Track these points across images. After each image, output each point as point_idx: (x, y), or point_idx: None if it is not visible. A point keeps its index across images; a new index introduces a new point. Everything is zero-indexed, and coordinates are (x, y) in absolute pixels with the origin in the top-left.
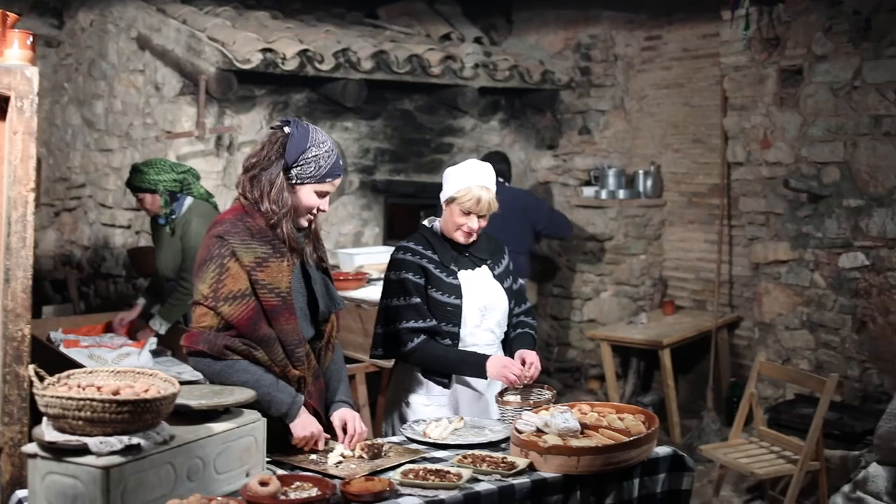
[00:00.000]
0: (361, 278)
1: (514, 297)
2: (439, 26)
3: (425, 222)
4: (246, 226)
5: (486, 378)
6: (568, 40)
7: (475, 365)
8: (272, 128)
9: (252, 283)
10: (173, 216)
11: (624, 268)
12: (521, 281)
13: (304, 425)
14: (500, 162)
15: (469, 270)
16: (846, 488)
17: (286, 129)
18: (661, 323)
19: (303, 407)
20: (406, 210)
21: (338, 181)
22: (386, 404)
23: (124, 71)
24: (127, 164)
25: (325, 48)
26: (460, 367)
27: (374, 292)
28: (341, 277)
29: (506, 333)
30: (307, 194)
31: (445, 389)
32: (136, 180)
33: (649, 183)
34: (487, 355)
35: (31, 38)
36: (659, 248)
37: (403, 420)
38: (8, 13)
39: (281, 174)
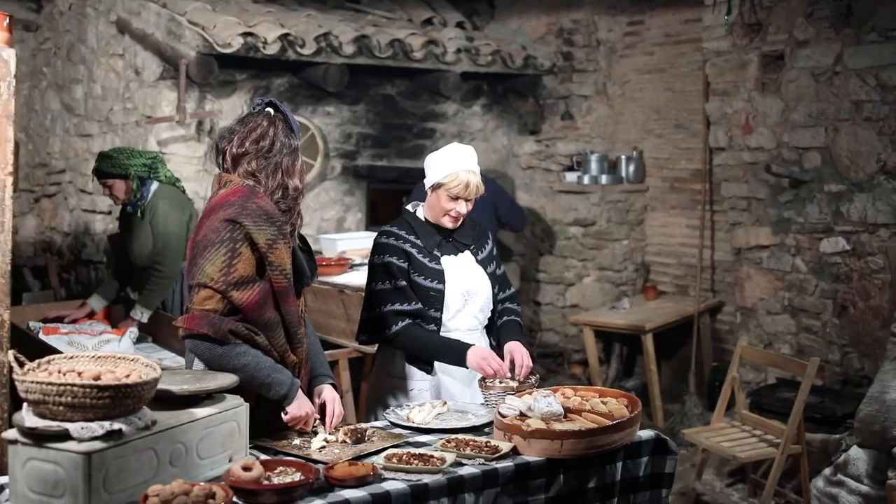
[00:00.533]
0: (344, 264)
1: (498, 281)
2: (421, 11)
3: (408, 207)
4: (255, 207)
5: (465, 367)
6: (550, 25)
7: (457, 352)
8: (258, 109)
9: (265, 266)
10: (141, 202)
11: (606, 253)
12: (502, 267)
13: (300, 405)
14: None
15: (452, 256)
16: (827, 471)
17: (282, 109)
18: (644, 308)
19: (300, 389)
20: (388, 195)
21: None
22: (369, 389)
23: (104, 55)
24: (107, 148)
25: (306, 32)
26: (442, 353)
27: (356, 277)
28: (324, 263)
29: (490, 319)
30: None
31: (428, 376)
32: (106, 166)
33: (632, 168)
34: (470, 344)
35: (7, 20)
36: (641, 233)
37: (386, 406)
38: None
39: (298, 154)
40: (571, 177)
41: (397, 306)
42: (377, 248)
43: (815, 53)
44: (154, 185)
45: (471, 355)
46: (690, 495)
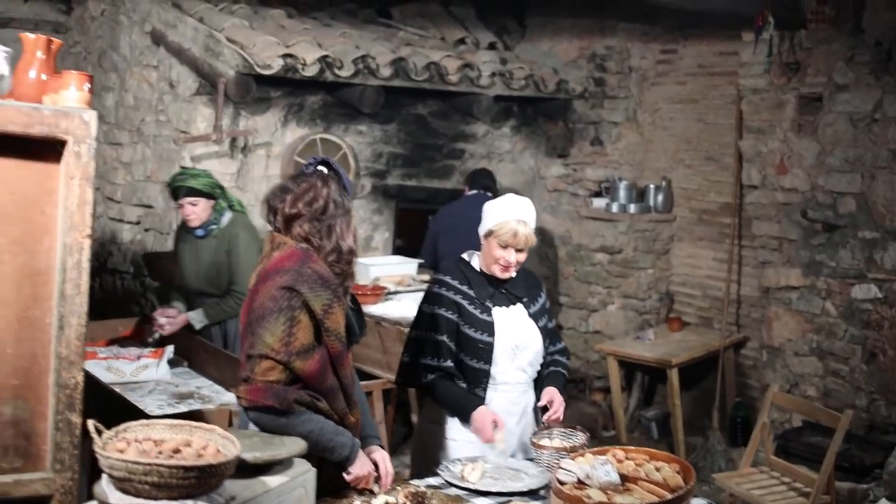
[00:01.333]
0: (380, 293)
1: (549, 335)
2: (454, 30)
3: (464, 256)
4: (310, 272)
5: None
6: (582, 49)
7: (464, 412)
8: (308, 166)
9: (323, 331)
10: (213, 226)
11: (632, 281)
12: (553, 320)
13: (361, 465)
14: (486, 178)
15: (504, 307)
16: None
17: (334, 167)
18: (669, 340)
19: (360, 448)
20: (414, 215)
21: None
22: (416, 434)
23: (137, 65)
24: (138, 159)
25: (344, 54)
26: (456, 410)
27: (392, 308)
28: (359, 291)
29: (539, 372)
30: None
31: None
32: (199, 184)
33: (660, 197)
34: (480, 403)
35: (88, 83)
36: (667, 262)
37: (431, 453)
38: (52, 39)
39: (350, 213)
40: (599, 203)
41: (429, 360)
42: (429, 297)
43: (855, 98)
44: (229, 213)
45: (474, 415)
46: None
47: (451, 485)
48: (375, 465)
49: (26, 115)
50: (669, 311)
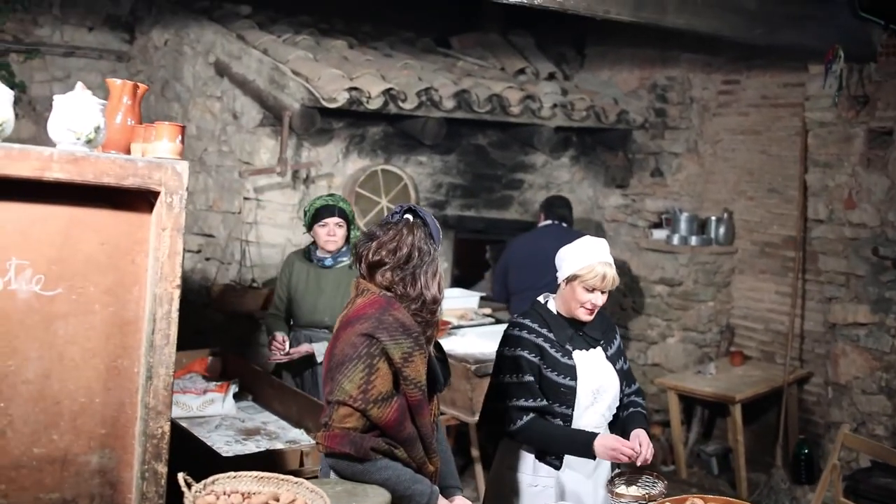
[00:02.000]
0: (444, 327)
1: (625, 377)
2: (514, 60)
3: (540, 299)
4: (391, 320)
5: (594, 458)
6: (643, 80)
7: (583, 444)
8: (396, 215)
9: (401, 380)
10: (342, 258)
11: (692, 314)
12: (627, 361)
13: None
14: (562, 207)
15: (584, 351)
16: None
17: (421, 214)
18: (730, 374)
19: (440, 496)
20: (471, 245)
21: None
22: (490, 481)
23: (200, 96)
24: (199, 188)
25: (408, 86)
26: (568, 445)
27: (456, 344)
28: None
29: (616, 415)
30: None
31: (553, 471)
32: (347, 207)
33: (721, 230)
34: (595, 433)
35: (180, 136)
36: (727, 295)
37: (506, 497)
38: (139, 84)
39: (436, 261)
40: (660, 234)
41: (522, 402)
42: (508, 340)
43: None
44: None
45: (598, 445)
46: None
47: None
48: None
49: (120, 166)
50: (730, 345)
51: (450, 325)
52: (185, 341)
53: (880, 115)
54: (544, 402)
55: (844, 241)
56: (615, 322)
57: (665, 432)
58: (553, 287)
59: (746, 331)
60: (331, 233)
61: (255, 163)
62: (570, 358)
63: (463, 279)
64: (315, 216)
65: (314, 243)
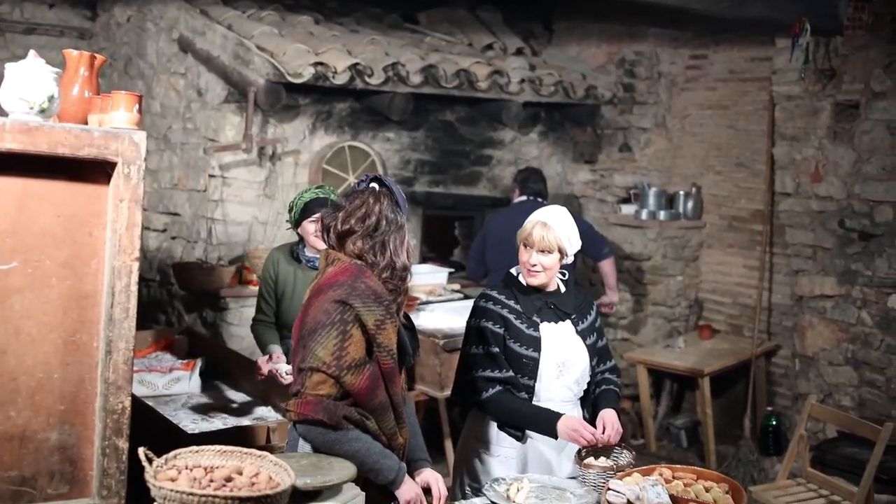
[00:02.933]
0: (413, 302)
1: (598, 354)
2: (482, 35)
3: (512, 271)
4: (363, 287)
5: (556, 438)
6: (611, 55)
7: (547, 422)
8: (362, 184)
9: (374, 347)
10: None
11: (660, 288)
12: (605, 339)
13: (409, 490)
14: (537, 182)
15: (552, 323)
16: None
17: (376, 186)
18: (699, 348)
19: (406, 474)
20: (440, 222)
21: None
22: (458, 450)
23: (164, 72)
24: (164, 167)
25: (374, 61)
26: (532, 422)
27: (425, 320)
28: None
29: (587, 391)
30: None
31: (517, 442)
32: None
33: (690, 204)
34: (561, 414)
35: (137, 105)
36: (696, 269)
37: (472, 470)
38: (96, 55)
39: (404, 229)
40: (628, 210)
41: (488, 372)
42: (475, 312)
43: (892, 106)
44: None
45: (561, 426)
46: None
47: None
48: (428, 486)
49: (76, 136)
50: (699, 319)
51: (419, 301)
52: (151, 321)
53: (846, 89)
54: (510, 373)
55: (811, 214)
56: (591, 298)
57: (634, 406)
58: None
59: (715, 304)
60: (317, 231)
61: (221, 140)
62: (536, 330)
63: (432, 256)
64: (304, 211)
65: (301, 241)
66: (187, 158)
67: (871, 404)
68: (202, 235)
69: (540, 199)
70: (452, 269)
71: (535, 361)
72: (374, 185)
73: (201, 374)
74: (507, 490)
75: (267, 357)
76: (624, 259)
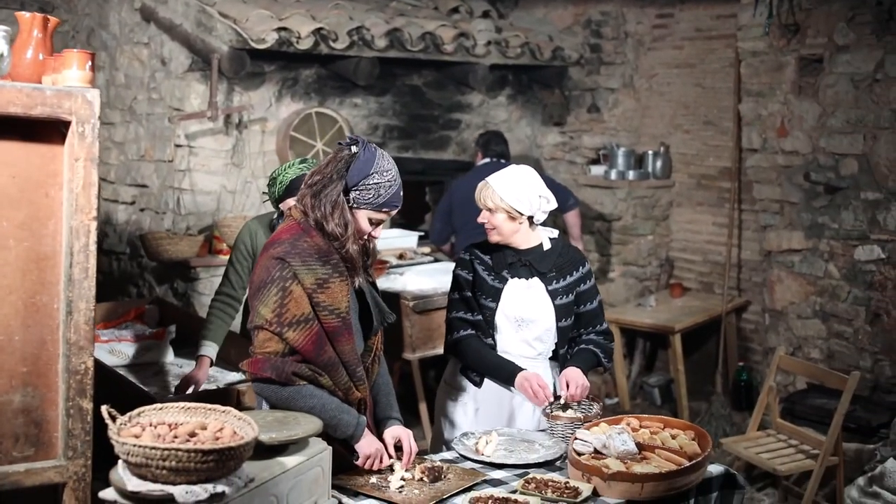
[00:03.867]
0: (382, 267)
1: (583, 318)
2: None
3: None
4: (304, 246)
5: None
6: (578, 16)
7: (507, 373)
8: (339, 144)
9: (313, 306)
10: None
11: (631, 248)
12: (595, 303)
13: (369, 445)
14: (499, 143)
15: (522, 279)
16: (861, 481)
17: (353, 149)
18: (670, 306)
19: (366, 427)
20: (410, 187)
21: (394, 212)
22: (438, 395)
23: (127, 43)
24: (130, 138)
25: (338, 26)
26: (495, 370)
27: (394, 282)
28: None
29: (566, 352)
30: (361, 219)
31: (473, 387)
32: None
33: (658, 163)
34: (522, 368)
35: (90, 61)
36: (666, 228)
37: (444, 412)
38: (49, 17)
39: (341, 195)
40: (597, 170)
41: (461, 314)
42: (456, 262)
43: (856, 59)
44: None
45: (519, 379)
46: None
47: (466, 458)
48: (399, 442)
49: (27, 95)
50: (670, 278)
51: (388, 265)
52: (123, 294)
53: (810, 43)
54: (480, 317)
55: (778, 169)
56: (585, 261)
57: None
58: None
59: (686, 263)
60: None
61: (186, 109)
62: (501, 283)
63: (403, 221)
64: (288, 189)
65: (281, 214)
66: (153, 129)
67: (839, 356)
68: (171, 206)
69: (503, 161)
70: (423, 233)
71: (493, 311)
72: (352, 148)
73: (172, 343)
74: (476, 443)
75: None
76: (594, 220)
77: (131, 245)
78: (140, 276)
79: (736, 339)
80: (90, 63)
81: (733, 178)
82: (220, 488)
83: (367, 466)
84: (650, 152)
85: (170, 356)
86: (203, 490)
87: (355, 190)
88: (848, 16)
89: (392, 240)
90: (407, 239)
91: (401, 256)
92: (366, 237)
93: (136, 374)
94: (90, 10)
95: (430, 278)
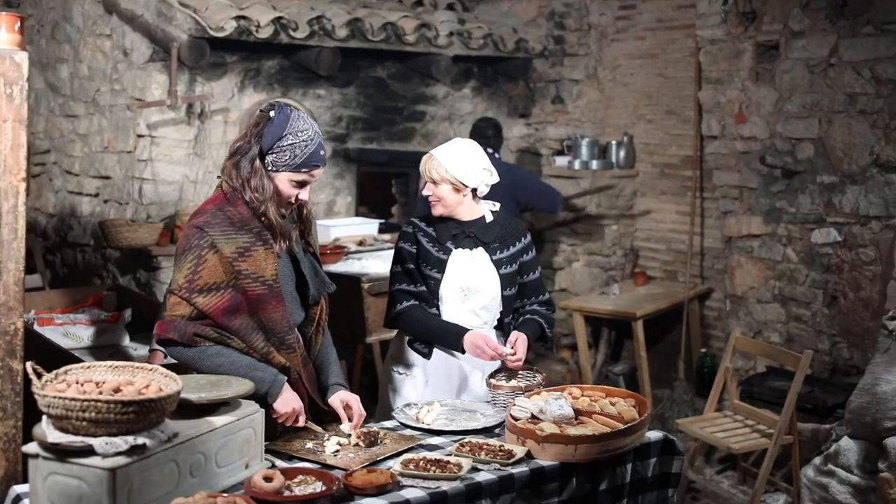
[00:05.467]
0: (340, 252)
1: (526, 288)
2: None
3: None
4: (227, 215)
5: (463, 352)
6: (541, 8)
7: (454, 336)
8: (260, 111)
9: (235, 274)
10: None
11: (596, 238)
12: (537, 273)
13: (286, 401)
14: (488, 128)
15: (466, 250)
16: (817, 461)
17: (271, 114)
18: (634, 294)
19: (285, 384)
20: (377, 178)
21: (317, 172)
22: (382, 372)
23: (90, 35)
24: (94, 130)
25: (299, 15)
26: (440, 336)
27: (352, 266)
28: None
29: (511, 322)
30: (282, 183)
31: (422, 359)
32: None
33: (622, 153)
34: (468, 329)
35: (18, 22)
36: (631, 218)
37: (386, 391)
38: None
39: (257, 160)
40: (562, 161)
41: (403, 286)
42: (399, 236)
43: (811, 45)
44: None
45: (467, 339)
46: (683, 483)
47: (406, 426)
48: (347, 406)
49: None
50: (635, 267)
51: (346, 251)
52: (85, 284)
53: (766, 30)
54: (423, 288)
55: (737, 156)
56: (527, 232)
57: (574, 356)
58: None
59: (650, 252)
60: None
61: (147, 99)
62: (446, 254)
63: (366, 210)
64: None
65: None
66: (116, 120)
67: (798, 339)
68: (133, 196)
69: (489, 151)
70: (383, 220)
71: (438, 282)
72: (270, 112)
73: (130, 328)
74: (418, 413)
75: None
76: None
77: (95, 237)
78: (104, 266)
79: (699, 326)
80: (19, 25)
81: (695, 167)
82: (140, 440)
83: (282, 422)
84: (613, 142)
85: (125, 339)
86: (123, 442)
87: (271, 153)
88: (803, 2)
89: (353, 227)
90: (368, 226)
91: (361, 243)
92: (294, 202)
93: (91, 357)
94: (54, 4)
95: (387, 263)
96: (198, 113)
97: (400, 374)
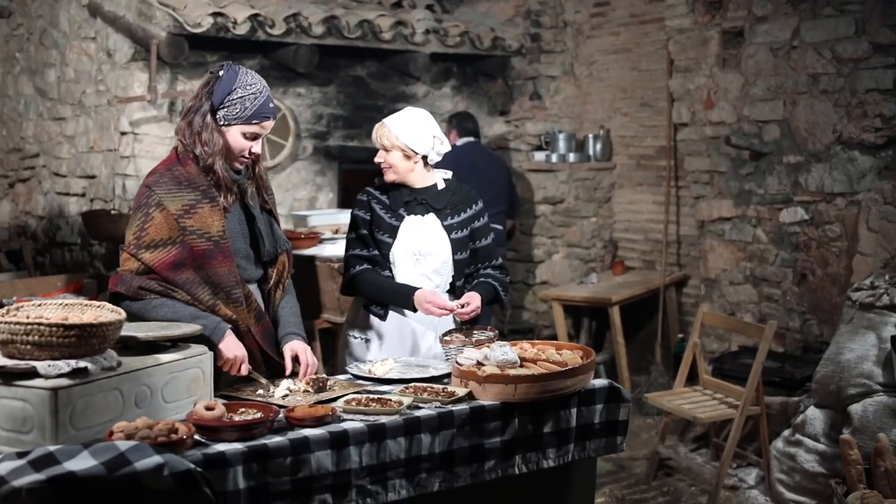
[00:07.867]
0: (314, 237)
1: (479, 253)
2: None
3: None
4: (174, 175)
5: (414, 310)
6: (518, 7)
7: (404, 296)
8: (210, 72)
9: (181, 230)
10: None
11: (575, 230)
12: (489, 239)
13: (228, 346)
14: (471, 121)
15: (418, 216)
16: (786, 432)
17: (220, 73)
18: (611, 283)
19: (229, 331)
20: (359, 176)
21: (267, 124)
22: (342, 338)
23: (76, 38)
24: (80, 131)
25: (276, 13)
26: (392, 296)
27: (325, 249)
28: (293, 237)
29: (459, 285)
30: (234, 136)
31: (378, 321)
32: None
33: (599, 147)
34: (418, 287)
35: None
36: (609, 210)
37: (344, 354)
38: None
39: (209, 115)
40: (540, 156)
41: (357, 251)
42: (354, 203)
43: (774, 28)
44: None
45: (418, 296)
46: (654, 459)
47: (357, 378)
48: (296, 356)
49: None
50: (614, 258)
51: (320, 235)
52: (69, 273)
53: (731, 17)
54: (376, 253)
55: (706, 141)
56: (478, 200)
57: None
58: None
59: (629, 243)
60: None
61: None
62: (398, 220)
63: (345, 201)
64: None
65: None
66: (101, 120)
67: (770, 318)
68: (118, 193)
69: (473, 139)
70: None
71: (389, 247)
72: (219, 71)
73: None
74: (371, 368)
75: None
76: (538, 203)
77: (82, 236)
78: (90, 263)
79: (676, 312)
80: None
81: (669, 156)
82: (82, 364)
83: (225, 369)
84: (590, 136)
85: None
86: (66, 364)
87: (222, 108)
88: None
89: (330, 215)
90: (344, 215)
91: (336, 231)
92: (247, 156)
93: None
94: (42, 12)
95: None
96: (179, 110)
97: (356, 338)
